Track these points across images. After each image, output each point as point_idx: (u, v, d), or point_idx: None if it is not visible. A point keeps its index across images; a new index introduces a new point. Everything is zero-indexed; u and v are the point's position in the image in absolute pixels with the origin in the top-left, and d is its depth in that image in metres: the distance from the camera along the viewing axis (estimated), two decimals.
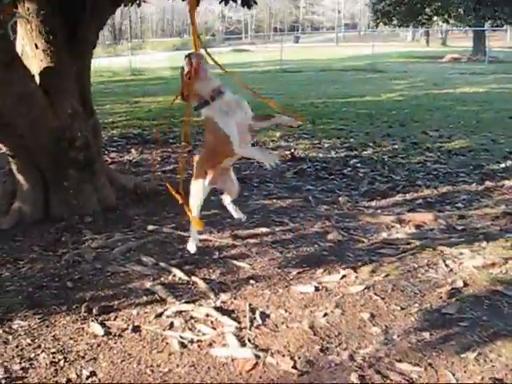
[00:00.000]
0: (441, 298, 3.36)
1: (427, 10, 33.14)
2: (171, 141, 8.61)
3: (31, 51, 4.85)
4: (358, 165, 6.94)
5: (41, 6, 4.69)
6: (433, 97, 13.67)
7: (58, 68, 4.85)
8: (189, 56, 3.12)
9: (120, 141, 8.91)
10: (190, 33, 3.52)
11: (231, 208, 3.86)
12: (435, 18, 35.18)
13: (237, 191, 3.72)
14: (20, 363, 2.80)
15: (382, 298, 3.36)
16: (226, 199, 3.82)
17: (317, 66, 26.25)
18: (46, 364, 2.79)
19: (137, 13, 70.21)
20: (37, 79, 4.78)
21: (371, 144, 8.15)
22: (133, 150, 8.09)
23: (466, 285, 3.51)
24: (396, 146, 7.96)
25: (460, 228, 4.54)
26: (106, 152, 7.71)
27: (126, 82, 21.10)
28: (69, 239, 4.49)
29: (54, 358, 2.84)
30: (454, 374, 2.60)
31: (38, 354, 2.88)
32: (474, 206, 5.19)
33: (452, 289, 3.45)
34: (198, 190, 3.50)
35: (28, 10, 4.71)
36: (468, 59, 30.13)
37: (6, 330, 3.13)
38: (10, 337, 3.05)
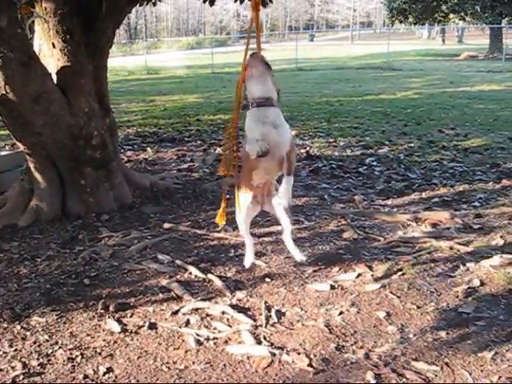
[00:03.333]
0: (457, 297, 3.34)
1: (443, 7, 32.74)
2: (186, 139, 8.63)
3: (48, 50, 4.90)
4: (374, 163, 6.91)
5: (58, 5, 4.73)
6: (449, 95, 13.56)
7: (74, 67, 4.88)
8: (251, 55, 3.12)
9: (136, 139, 8.98)
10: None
11: (289, 246, 3.63)
12: (451, 15, 34.70)
13: (286, 223, 3.54)
14: (38, 359, 2.83)
15: (398, 297, 3.35)
16: (284, 232, 3.61)
17: (332, 65, 26.25)
18: (64, 360, 2.81)
19: (152, 12, 70.46)
20: (54, 78, 4.82)
21: (387, 142, 8.10)
22: (148, 149, 8.14)
23: (482, 284, 3.49)
24: (412, 145, 7.91)
25: (477, 227, 4.50)
26: (122, 151, 7.75)
27: (141, 81, 21.21)
28: (85, 237, 4.53)
29: (71, 354, 2.87)
30: (470, 374, 2.59)
31: (56, 350, 2.90)
32: (491, 204, 5.13)
33: (469, 288, 3.43)
34: (243, 204, 3.46)
35: (45, 9, 4.75)
36: (485, 57, 29.86)
37: (24, 326, 3.16)
38: (28, 333, 3.09)
